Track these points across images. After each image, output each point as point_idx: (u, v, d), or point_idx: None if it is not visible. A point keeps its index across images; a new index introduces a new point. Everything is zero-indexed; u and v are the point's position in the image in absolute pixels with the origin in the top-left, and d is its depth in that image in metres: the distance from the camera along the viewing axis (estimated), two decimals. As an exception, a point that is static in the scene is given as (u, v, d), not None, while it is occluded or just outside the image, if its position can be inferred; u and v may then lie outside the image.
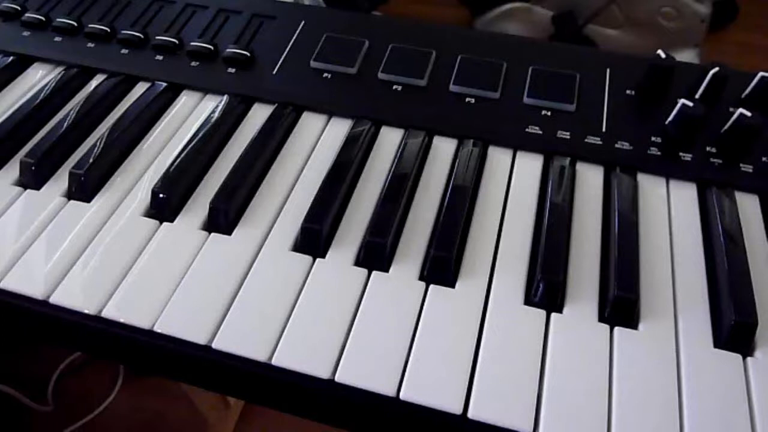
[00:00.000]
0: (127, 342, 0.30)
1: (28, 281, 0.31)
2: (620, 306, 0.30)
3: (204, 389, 0.31)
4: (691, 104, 0.37)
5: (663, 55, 0.39)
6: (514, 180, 0.36)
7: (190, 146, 0.37)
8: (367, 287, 0.31)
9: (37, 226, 0.33)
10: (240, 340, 0.29)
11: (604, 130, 0.38)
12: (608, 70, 0.42)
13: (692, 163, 0.37)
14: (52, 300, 0.30)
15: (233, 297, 0.30)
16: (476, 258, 0.32)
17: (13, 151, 0.38)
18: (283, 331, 0.29)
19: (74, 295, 0.30)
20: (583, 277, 0.31)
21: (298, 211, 0.34)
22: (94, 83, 0.43)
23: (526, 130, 0.38)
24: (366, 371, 0.27)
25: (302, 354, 0.28)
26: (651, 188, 0.36)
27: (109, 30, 0.45)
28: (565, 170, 0.36)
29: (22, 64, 0.45)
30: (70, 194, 0.35)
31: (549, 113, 0.39)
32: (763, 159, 0.37)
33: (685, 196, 0.36)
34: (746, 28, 0.82)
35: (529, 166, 0.37)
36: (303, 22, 0.46)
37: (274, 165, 0.37)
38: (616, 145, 0.37)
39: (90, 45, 0.45)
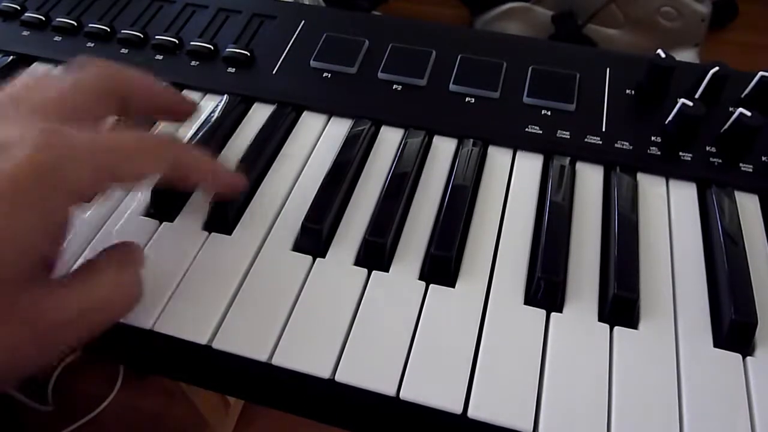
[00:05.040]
0: (126, 342, 0.30)
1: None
2: (620, 306, 0.30)
3: (204, 389, 0.31)
4: (691, 104, 0.37)
5: (663, 55, 0.39)
6: (514, 179, 0.36)
7: (190, 146, 0.37)
8: (367, 287, 0.31)
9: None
10: (240, 340, 0.29)
11: (604, 129, 0.38)
12: (608, 70, 0.42)
13: (692, 162, 0.37)
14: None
15: (233, 296, 0.30)
16: (476, 258, 0.32)
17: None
18: (283, 330, 0.29)
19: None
20: (583, 277, 0.31)
21: (298, 211, 0.34)
22: (94, 83, 0.43)
23: (526, 129, 0.38)
24: (366, 371, 0.27)
25: (302, 354, 0.28)
26: (651, 188, 0.36)
27: (108, 30, 0.45)
28: (565, 170, 0.36)
29: (21, 64, 0.45)
30: (70, 194, 0.35)
31: (549, 113, 0.39)
32: (763, 159, 0.37)
33: (685, 195, 0.36)
34: (746, 28, 0.82)
35: (529, 165, 0.37)
36: (303, 21, 0.46)
37: (274, 164, 0.37)
38: (616, 145, 0.37)
39: (90, 44, 0.45)
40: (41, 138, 0.24)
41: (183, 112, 0.35)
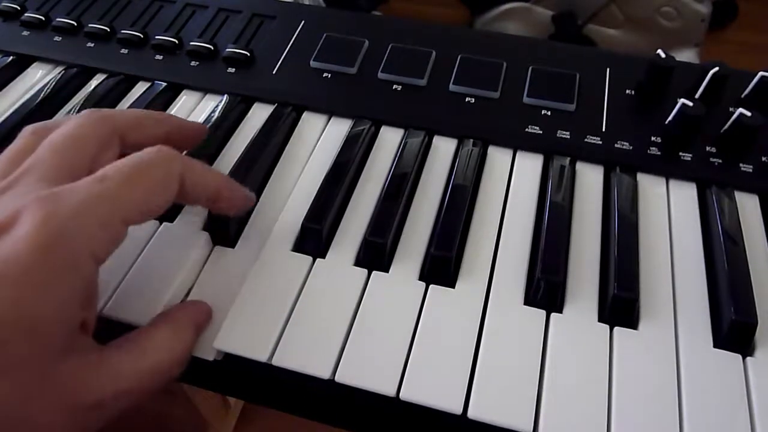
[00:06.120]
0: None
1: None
2: (620, 306, 0.30)
3: (204, 389, 0.31)
4: (691, 104, 0.37)
5: (663, 55, 0.39)
6: (514, 180, 0.36)
7: (190, 146, 0.37)
8: (367, 287, 0.31)
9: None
10: (240, 340, 0.29)
11: (604, 129, 0.38)
12: (608, 70, 0.42)
13: (692, 162, 0.37)
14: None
15: (233, 297, 0.30)
16: (476, 258, 0.32)
17: (12, 150, 0.38)
18: (283, 331, 0.29)
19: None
20: (583, 277, 0.31)
21: (298, 211, 0.34)
22: (94, 83, 0.43)
23: (526, 129, 0.38)
24: (366, 371, 0.27)
25: (302, 354, 0.28)
26: (651, 188, 0.36)
27: (108, 29, 0.45)
28: (565, 170, 0.36)
29: (21, 64, 0.45)
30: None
31: (549, 113, 0.39)
32: (763, 159, 0.37)
33: (685, 195, 0.36)
34: (746, 27, 0.82)
35: (529, 165, 0.37)
36: (303, 21, 0.46)
37: (274, 165, 0.37)
38: (616, 145, 0.37)
39: (90, 45, 0.45)
40: (38, 209, 0.22)
41: (190, 137, 0.33)
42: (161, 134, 0.31)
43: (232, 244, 0.33)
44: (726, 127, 0.37)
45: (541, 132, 0.38)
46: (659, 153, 0.37)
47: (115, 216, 0.24)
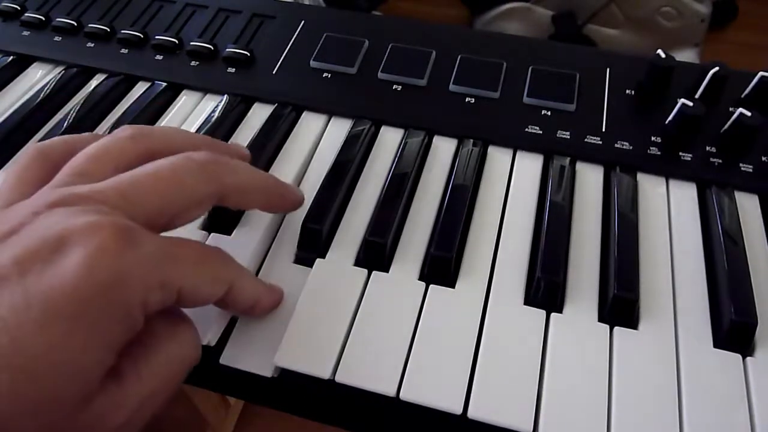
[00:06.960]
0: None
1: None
2: (620, 306, 0.30)
3: (204, 389, 0.31)
4: (691, 104, 0.37)
5: (663, 55, 0.39)
6: (514, 180, 0.36)
7: (190, 146, 0.37)
8: (367, 287, 0.31)
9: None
10: (241, 341, 0.29)
11: (604, 129, 0.38)
12: (608, 70, 0.42)
13: (692, 162, 0.37)
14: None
15: (233, 297, 0.30)
16: (476, 258, 0.32)
17: (13, 150, 0.38)
18: (283, 332, 0.29)
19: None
20: (583, 277, 0.31)
21: (298, 211, 0.34)
22: (94, 83, 0.43)
23: (526, 129, 0.38)
24: (366, 371, 0.27)
25: (302, 355, 0.28)
26: (651, 188, 0.36)
27: (108, 30, 0.45)
28: (565, 170, 0.36)
29: (21, 64, 0.45)
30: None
31: (549, 113, 0.39)
32: (763, 159, 0.37)
33: (685, 195, 0.36)
34: (746, 27, 0.82)
35: (529, 165, 0.37)
36: (303, 21, 0.46)
37: (274, 165, 0.37)
38: (616, 145, 0.37)
39: (90, 45, 0.45)
40: (109, 237, 0.21)
41: (287, 208, 0.32)
42: (262, 204, 0.30)
43: (228, 231, 0.33)
44: (726, 127, 0.37)
45: (541, 132, 0.38)
46: (659, 153, 0.37)
47: (177, 283, 0.23)
